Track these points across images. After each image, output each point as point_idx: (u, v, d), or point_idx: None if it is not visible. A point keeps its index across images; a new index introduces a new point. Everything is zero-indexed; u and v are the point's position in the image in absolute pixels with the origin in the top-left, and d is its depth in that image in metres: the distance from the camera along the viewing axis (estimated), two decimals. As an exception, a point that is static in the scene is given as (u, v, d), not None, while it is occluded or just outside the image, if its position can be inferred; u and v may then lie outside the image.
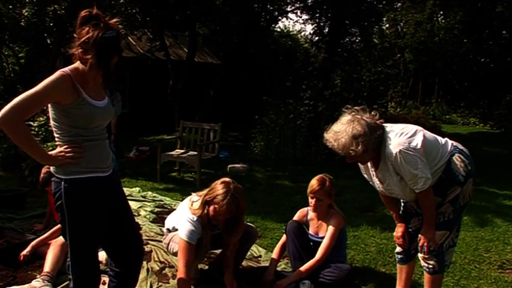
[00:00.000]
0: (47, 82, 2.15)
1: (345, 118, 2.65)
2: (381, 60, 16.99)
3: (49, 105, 2.21)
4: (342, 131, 2.59)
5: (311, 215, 3.66)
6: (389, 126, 2.70)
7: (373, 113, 2.69)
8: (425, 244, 2.73)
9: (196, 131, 7.24)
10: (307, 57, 18.56)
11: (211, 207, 2.99)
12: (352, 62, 12.50)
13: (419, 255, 2.84)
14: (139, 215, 5.01)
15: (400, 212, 3.01)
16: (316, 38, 14.47)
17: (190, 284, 2.99)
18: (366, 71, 11.25)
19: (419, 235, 2.77)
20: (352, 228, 4.75)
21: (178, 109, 11.74)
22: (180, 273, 2.91)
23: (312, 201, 3.49)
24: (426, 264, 2.81)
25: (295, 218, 3.73)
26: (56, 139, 2.30)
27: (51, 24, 9.20)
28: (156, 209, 5.37)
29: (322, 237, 3.49)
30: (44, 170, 3.78)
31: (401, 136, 2.61)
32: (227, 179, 3.10)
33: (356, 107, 2.72)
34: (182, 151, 7.09)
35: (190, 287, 2.97)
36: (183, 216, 3.12)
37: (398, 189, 2.72)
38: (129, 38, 13.21)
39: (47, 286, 3.08)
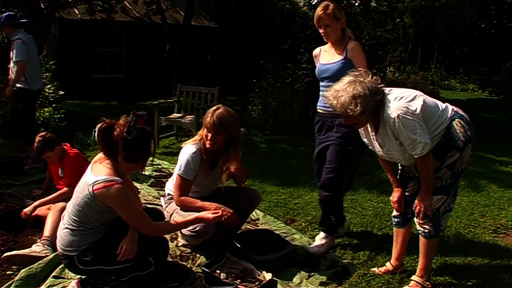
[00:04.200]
0: None
1: (347, 78, 2.65)
2: (380, 24, 16.75)
3: None
4: (342, 89, 2.60)
5: (324, 47, 3.50)
6: (388, 90, 2.68)
7: (375, 77, 2.67)
8: (421, 210, 2.75)
9: (194, 95, 7.20)
10: (306, 21, 18.29)
11: (204, 130, 3.14)
12: (353, 25, 12.32)
13: (415, 219, 2.87)
14: (137, 179, 5.03)
15: (398, 176, 3.02)
16: (315, 1, 14.23)
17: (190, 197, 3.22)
18: (366, 35, 11.10)
19: (416, 202, 2.78)
20: (350, 192, 4.76)
21: (175, 73, 11.64)
22: (176, 200, 3.21)
23: (321, 31, 3.34)
24: (422, 229, 2.84)
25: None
26: None
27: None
28: (154, 173, 5.39)
29: (332, 63, 3.35)
30: (37, 139, 3.75)
31: (400, 100, 2.59)
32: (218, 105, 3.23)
33: (360, 69, 2.72)
34: (180, 115, 7.07)
35: (191, 199, 3.19)
36: (183, 150, 3.24)
37: (398, 154, 2.72)
38: (125, 2, 12.99)
39: (47, 250, 3.11)
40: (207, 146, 3.15)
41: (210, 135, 3.10)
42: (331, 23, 3.26)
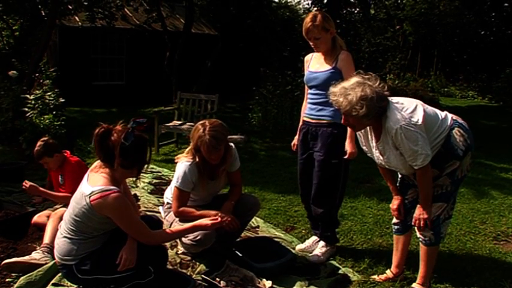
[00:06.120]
0: None
1: (356, 79, 2.62)
2: (380, 32, 16.80)
3: None
4: (351, 88, 2.56)
5: (316, 54, 3.40)
6: (389, 98, 2.67)
7: (382, 84, 2.65)
8: (421, 224, 2.74)
9: (194, 103, 7.22)
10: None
11: (202, 152, 3.09)
12: (352, 33, 12.36)
13: (416, 228, 2.86)
14: (137, 186, 5.02)
15: (397, 184, 3.02)
16: (315, 9, 14.29)
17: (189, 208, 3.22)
18: (366, 42, 11.15)
19: (415, 215, 2.77)
20: (350, 199, 4.78)
21: (175, 80, 11.68)
22: (175, 212, 3.22)
23: (311, 43, 3.26)
24: (422, 236, 2.84)
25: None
26: None
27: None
28: (154, 181, 5.39)
29: (321, 72, 3.27)
30: (38, 143, 3.75)
31: (402, 111, 2.57)
32: (201, 121, 3.21)
33: (370, 72, 2.69)
34: (180, 122, 7.08)
35: (189, 209, 3.18)
36: (179, 163, 3.24)
37: (398, 163, 2.70)
38: (125, 9, 13.05)
39: (46, 257, 3.10)
40: (213, 163, 3.15)
41: (213, 155, 3.09)
42: (320, 34, 3.18)
